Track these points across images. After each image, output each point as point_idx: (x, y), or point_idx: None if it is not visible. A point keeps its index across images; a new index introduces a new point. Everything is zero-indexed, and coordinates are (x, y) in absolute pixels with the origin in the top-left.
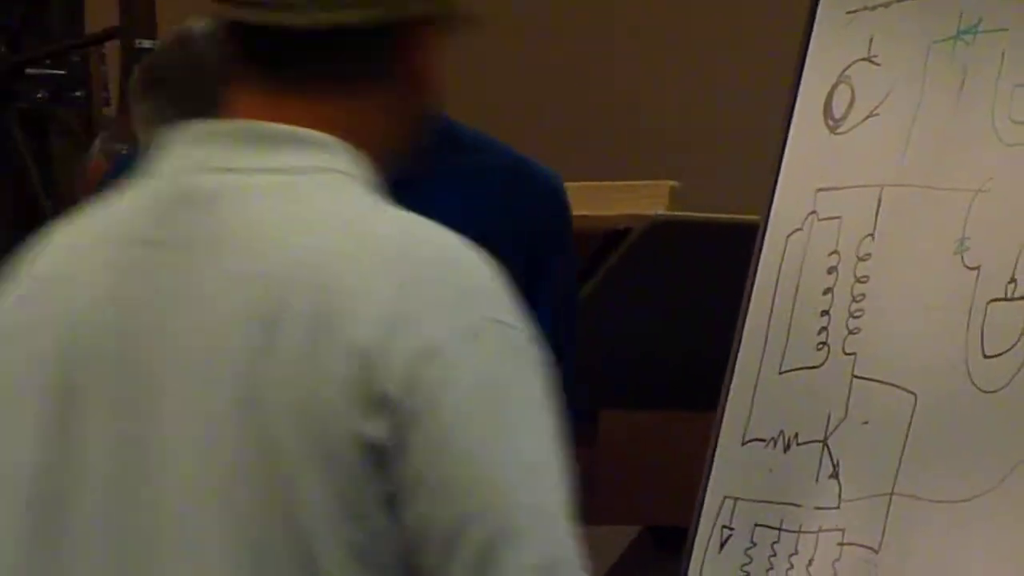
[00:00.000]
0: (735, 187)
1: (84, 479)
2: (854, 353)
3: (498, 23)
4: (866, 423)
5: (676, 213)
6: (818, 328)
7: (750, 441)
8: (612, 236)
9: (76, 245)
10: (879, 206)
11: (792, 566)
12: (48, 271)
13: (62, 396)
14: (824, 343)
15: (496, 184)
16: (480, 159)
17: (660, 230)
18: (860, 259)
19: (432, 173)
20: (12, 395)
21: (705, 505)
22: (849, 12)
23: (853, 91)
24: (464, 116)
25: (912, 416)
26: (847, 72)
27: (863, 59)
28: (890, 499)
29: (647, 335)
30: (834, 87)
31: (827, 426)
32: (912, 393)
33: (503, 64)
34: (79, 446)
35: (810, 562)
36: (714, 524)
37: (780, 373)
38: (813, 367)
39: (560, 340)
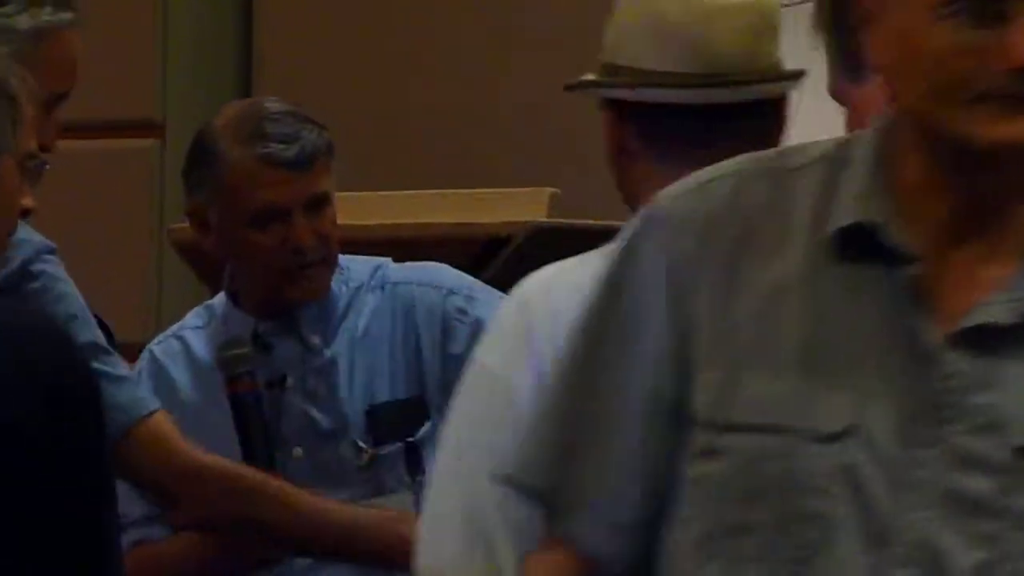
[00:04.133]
0: (613, 192)
1: None
2: None
3: (378, 25)
4: None
5: (556, 219)
6: None
7: None
8: (492, 243)
9: None
10: None
11: None
12: None
13: None
14: None
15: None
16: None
17: (540, 236)
18: None
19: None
20: None
21: None
22: None
23: None
24: (340, 124)
25: None
26: None
27: None
28: None
29: None
30: None
31: None
32: None
33: (380, 69)
34: None
35: None
36: None
37: None
38: None
39: None
